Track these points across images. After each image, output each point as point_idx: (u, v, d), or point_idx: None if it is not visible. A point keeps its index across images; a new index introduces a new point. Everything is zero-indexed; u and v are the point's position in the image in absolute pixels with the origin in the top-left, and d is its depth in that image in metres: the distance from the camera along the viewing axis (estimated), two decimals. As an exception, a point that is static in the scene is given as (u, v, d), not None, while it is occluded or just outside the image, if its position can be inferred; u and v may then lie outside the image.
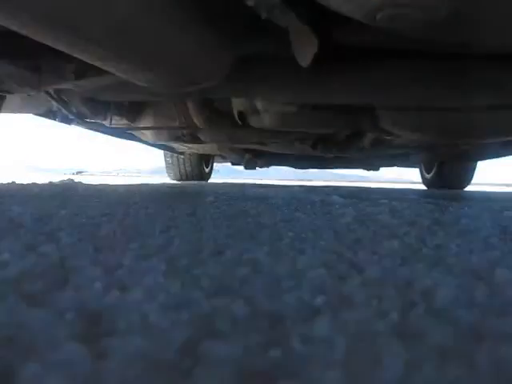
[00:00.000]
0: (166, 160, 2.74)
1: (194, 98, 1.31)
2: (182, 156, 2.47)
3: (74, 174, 14.80)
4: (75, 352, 0.24)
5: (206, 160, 2.74)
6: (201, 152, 2.30)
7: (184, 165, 2.56)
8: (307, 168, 2.67)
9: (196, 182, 2.49)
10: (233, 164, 2.72)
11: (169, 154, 2.53)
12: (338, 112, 1.32)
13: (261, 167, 2.50)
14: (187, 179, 2.72)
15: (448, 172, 2.76)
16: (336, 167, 2.74)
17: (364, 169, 2.83)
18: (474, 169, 2.85)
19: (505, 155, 2.40)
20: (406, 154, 2.08)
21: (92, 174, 14.94)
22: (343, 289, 0.38)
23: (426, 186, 3.08)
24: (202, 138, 1.70)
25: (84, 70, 1.09)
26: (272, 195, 1.56)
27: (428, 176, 2.96)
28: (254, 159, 2.24)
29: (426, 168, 2.96)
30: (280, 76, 1.11)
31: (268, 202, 1.27)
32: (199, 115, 1.42)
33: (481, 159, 2.51)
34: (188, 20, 0.81)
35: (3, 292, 0.34)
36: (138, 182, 2.33)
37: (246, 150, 2.19)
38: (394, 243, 0.61)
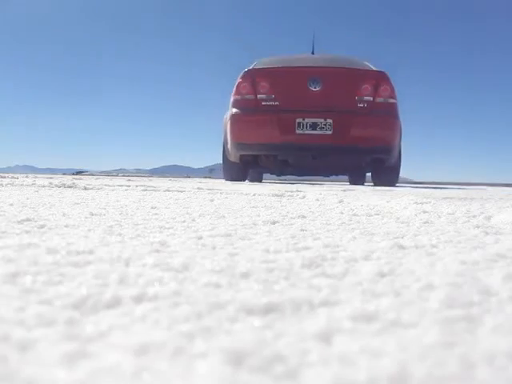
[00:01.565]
0: (249, 173, 5.92)
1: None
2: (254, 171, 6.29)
3: (73, 174, 14.97)
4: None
5: (262, 172, 6.24)
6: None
7: (254, 174, 6.12)
8: (306, 175, 6.51)
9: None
10: (270, 173, 6.19)
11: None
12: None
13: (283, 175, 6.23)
14: (255, 181, 5.70)
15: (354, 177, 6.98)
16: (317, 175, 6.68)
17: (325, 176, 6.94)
18: (365, 174, 6.61)
19: (368, 171, 5.80)
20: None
21: (92, 174, 15.08)
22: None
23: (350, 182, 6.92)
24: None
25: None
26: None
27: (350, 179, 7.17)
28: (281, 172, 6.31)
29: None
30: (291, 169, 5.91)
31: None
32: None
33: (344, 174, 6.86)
34: None
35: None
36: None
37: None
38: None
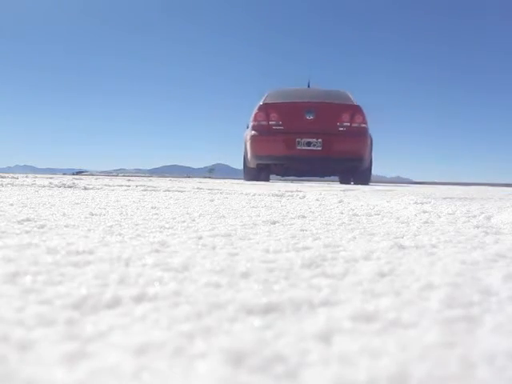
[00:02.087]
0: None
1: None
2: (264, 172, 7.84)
3: (73, 174, 15.05)
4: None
5: (270, 173, 7.68)
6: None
7: (264, 175, 7.40)
8: (303, 177, 8.29)
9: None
10: (277, 174, 7.82)
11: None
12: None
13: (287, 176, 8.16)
14: (264, 180, 7.12)
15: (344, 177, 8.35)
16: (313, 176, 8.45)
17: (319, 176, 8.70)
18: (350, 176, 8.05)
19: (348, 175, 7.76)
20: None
21: (92, 174, 15.14)
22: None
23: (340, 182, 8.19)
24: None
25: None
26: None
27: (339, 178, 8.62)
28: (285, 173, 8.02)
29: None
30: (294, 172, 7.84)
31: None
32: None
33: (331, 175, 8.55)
34: None
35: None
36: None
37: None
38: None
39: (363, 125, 6.83)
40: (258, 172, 7.28)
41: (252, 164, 7.09)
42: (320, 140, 6.66)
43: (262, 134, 6.81)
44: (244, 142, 7.43)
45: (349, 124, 6.73)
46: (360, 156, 6.73)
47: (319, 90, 7.59)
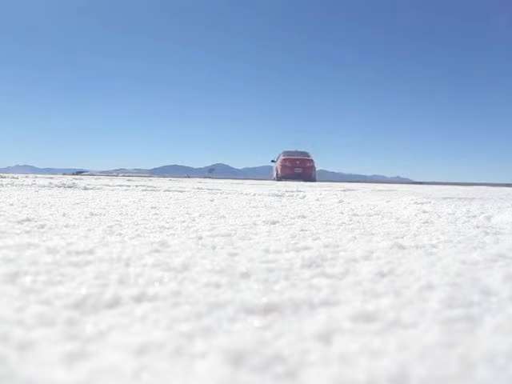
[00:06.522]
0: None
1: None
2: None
3: (73, 174, 15.11)
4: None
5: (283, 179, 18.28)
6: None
7: (279, 178, 18.64)
8: (296, 180, 16.92)
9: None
10: (286, 179, 18.65)
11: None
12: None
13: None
14: (281, 181, 16.09)
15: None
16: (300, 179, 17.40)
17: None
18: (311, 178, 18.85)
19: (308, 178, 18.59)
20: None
21: (92, 174, 15.15)
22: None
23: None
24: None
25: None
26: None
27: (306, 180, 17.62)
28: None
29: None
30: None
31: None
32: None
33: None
34: None
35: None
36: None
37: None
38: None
39: (312, 165, 17.34)
40: (281, 178, 16.96)
41: (279, 176, 17.07)
42: (300, 168, 17.00)
43: (283, 166, 17.09)
44: (276, 168, 17.86)
45: (308, 165, 17.21)
46: (310, 174, 17.03)
47: (300, 151, 18.56)
